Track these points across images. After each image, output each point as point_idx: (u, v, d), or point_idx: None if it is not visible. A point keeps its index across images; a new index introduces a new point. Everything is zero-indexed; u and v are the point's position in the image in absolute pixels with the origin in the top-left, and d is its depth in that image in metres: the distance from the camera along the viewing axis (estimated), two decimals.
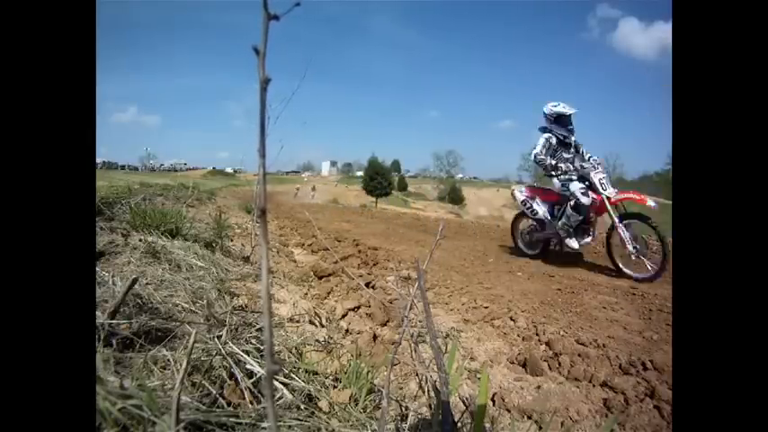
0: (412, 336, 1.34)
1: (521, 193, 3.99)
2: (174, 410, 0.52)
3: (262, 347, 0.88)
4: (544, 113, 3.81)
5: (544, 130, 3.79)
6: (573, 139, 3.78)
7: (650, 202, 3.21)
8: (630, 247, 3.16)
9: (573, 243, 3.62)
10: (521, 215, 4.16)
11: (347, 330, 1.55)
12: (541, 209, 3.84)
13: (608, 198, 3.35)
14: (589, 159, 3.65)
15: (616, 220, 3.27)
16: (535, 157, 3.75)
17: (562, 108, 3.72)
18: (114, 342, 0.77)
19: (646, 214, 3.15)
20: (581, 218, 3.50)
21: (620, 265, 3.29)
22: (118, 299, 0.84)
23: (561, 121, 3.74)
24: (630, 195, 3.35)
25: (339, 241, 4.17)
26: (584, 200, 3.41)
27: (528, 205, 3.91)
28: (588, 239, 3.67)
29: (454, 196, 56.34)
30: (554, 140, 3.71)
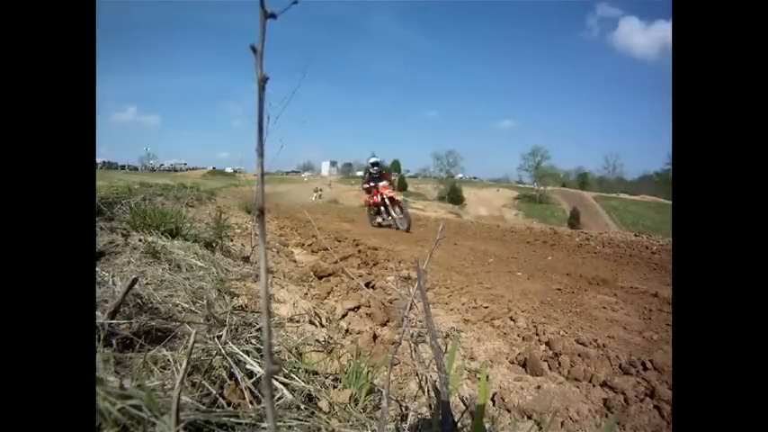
0: (412, 336, 1.34)
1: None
2: (174, 410, 0.52)
3: (262, 347, 0.88)
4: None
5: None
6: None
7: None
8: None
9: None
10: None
11: (347, 330, 1.55)
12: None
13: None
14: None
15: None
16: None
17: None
18: (114, 342, 0.77)
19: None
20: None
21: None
22: (118, 299, 0.84)
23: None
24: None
25: (339, 241, 4.18)
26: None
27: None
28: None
29: (454, 196, 56.36)
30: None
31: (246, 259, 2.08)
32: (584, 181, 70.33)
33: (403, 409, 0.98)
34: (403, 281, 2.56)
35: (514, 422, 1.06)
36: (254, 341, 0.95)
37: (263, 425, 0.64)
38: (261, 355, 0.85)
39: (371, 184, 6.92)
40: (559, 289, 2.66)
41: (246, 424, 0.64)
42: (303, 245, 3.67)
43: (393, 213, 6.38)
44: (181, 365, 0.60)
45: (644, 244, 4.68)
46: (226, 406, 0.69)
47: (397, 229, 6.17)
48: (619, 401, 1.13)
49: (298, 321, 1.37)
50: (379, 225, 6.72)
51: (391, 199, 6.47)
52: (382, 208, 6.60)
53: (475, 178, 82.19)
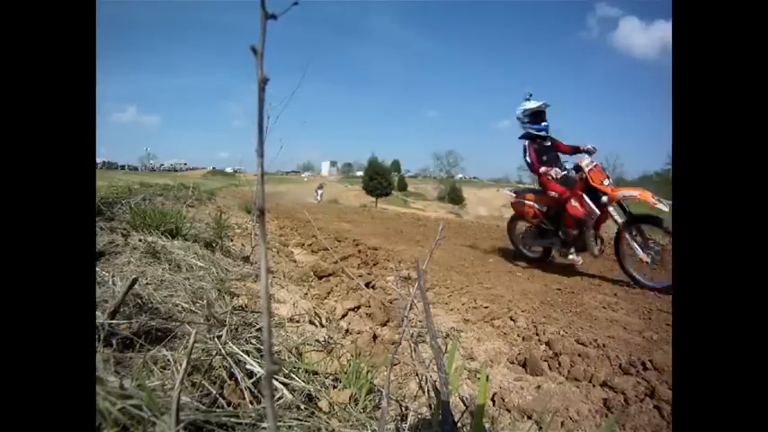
0: (412, 336, 1.34)
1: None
2: (174, 410, 0.52)
3: (262, 347, 0.88)
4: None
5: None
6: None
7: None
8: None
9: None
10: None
11: (347, 330, 1.55)
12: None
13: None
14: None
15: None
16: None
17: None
18: (114, 342, 0.77)
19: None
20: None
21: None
22: (118, 299, 0.84)
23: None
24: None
25: (339, 241, 4.17)
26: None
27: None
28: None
29: (454, 196, 56.37)
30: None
31: (246, 259, 2.08)
32: None
33: (403, 409, 0.98)
34: (403, 281, 2.56)
35: (514, 422, 1.06)
36: (254, 341, 0.95)
37: (263, 425, 0.64)
38: (261, 355, 0.85)
39: (560, 171, 3.08)
40: (559, 289, 2.66)
41: (246, 424, 0.64)
42: (303, 245, 3.67)
43: (633, 244, 2.70)
44: (181, 365, 0.60)
45: None
46: (226, 406, 0.69)
47: (645, 287, 2.60)
48: (619, 401, 1.13)
49: (298, 321, 1.37)
50: (555, 255, 3.47)
51: (615, 201, 2.83)
52: (591, 232, 2.98)
53: (475, 178, 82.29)
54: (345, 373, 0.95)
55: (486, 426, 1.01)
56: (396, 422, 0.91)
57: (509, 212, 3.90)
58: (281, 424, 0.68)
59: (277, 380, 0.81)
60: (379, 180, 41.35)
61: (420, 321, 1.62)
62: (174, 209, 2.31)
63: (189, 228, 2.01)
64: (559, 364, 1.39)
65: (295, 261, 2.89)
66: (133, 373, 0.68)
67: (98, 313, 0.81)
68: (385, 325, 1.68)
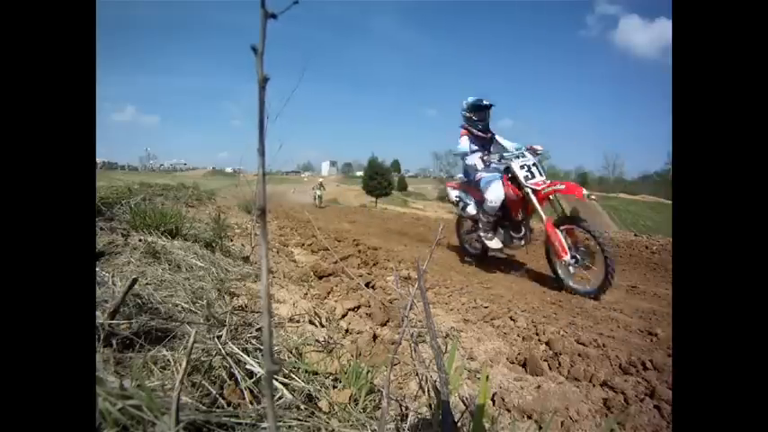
0: (412, 336, 1.34)
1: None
2: (174, 410, 0.52)
3: (262, 347, 0.88)
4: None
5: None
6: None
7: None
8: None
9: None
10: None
11: (347, 330, 1.55)
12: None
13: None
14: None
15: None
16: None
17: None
18: (114, 342, 0.77)
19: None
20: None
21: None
22: (118, 299, 0.84)
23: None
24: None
25: (339, 241, 4.17)
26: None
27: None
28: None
29: None
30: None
31: (246, 259, 2.08)
32: (585, 181, 70.43)
33: (403, 409, 0.98)
34: (403, 281, 2.55)
35: (514, 422, 1.06)
36: (254, 341, 0.95)
37: (263, 425, 0.64)
38: (261, 355, 0.85)
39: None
40: (559, 289, 2.66)
41: (246, 424, 0.64)
42: (303, 245, 3.67)
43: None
44: (181, 365, 0.60)
45: (644, 244, 4.67)
46: (226, 406, 0.69)
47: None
48: (619, 401, 1.13)
49: (298, 321, 1.37)
50: None
51: None
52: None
53: None
54: (345, 373, 0.95)
55: (486, 426, 1.01)
56: (396, 422, 0.91)
57: None
58: (281, 424, 0.68)
59: (277, 380, 0.81)
60: (379, 180, 41.33)
61: (420, 321, 1.62)
62: (174, 209, 2.31)
63: (189, 228, 2.01)
64: (559, 364, 1.39)
65: (295, 261, 2.89)
66: (133, 374, 0.67)
67: (98, 313, 0.81)
68: (385, 325, 1.68)
